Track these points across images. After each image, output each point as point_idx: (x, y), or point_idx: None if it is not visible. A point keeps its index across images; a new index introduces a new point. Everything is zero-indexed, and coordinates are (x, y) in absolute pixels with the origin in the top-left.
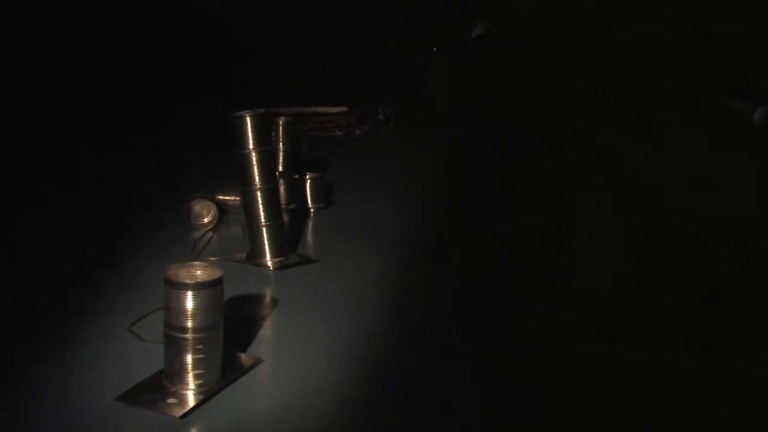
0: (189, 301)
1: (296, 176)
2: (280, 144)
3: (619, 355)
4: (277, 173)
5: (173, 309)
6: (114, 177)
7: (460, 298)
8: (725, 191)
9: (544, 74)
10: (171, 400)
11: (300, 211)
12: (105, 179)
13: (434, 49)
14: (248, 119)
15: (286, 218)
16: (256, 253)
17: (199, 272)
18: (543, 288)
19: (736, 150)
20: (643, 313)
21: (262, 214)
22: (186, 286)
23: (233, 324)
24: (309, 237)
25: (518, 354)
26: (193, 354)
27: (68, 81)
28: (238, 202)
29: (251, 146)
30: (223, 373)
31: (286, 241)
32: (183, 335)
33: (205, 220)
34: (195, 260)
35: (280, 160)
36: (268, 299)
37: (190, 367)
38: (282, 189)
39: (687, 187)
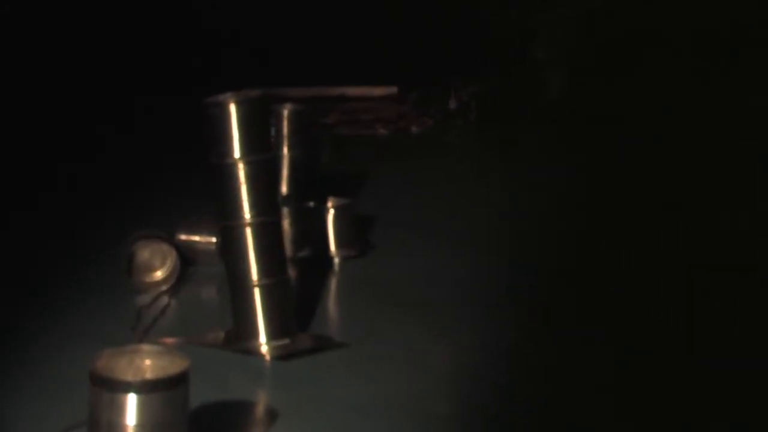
0: (131, 411)
1: (311, 203)
2: (285, 148)
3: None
4: (279, 198)
5: (105, 424)
6: (31, 203)
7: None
8: None
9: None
10: None
11: (317, 262)
12: (24, 206)
13: None
14: (232, 107)
15: (293, 273)
16: (242, 332)
17: (147, 363)
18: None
19: None
20: None
21: (253, 266)
22: (126, 387)
23: None
24: (330, 305)
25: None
26: None
27: None
28: (214, 247)
29: (236, 154)
30: None
31: (294, 313)
32: None
33: (158, 274)
34: (141, 342)
35: (285, 175)
36: (261, 410)
37: None
38: (287, 225)
39: None
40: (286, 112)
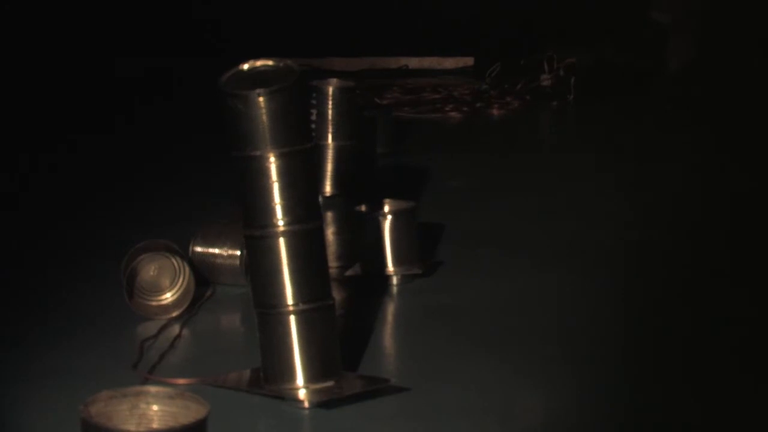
0: None
1: (362, 207)
2: (329, 137)
3: None
4: (320, 200)
5: None
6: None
7: None
8: None
9: None
10: None
11: (369, 282)
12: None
13: None
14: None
15: (338, 296)
16: (274, 372)
17: (154, 409)
18: None
19: None
20: None
21: (287, 287)
22: None
23: None
24: (386, 338)
25: None
26: None
27: None
28: (237, 262)
29: (266, 145)
30: None
31: (339, 347)
32: None
33: (167, 296)
34: (145, 383)
35: (329, 171)
36: None
37: None
38: (331, 235)
39: None
40: (331, 90)
